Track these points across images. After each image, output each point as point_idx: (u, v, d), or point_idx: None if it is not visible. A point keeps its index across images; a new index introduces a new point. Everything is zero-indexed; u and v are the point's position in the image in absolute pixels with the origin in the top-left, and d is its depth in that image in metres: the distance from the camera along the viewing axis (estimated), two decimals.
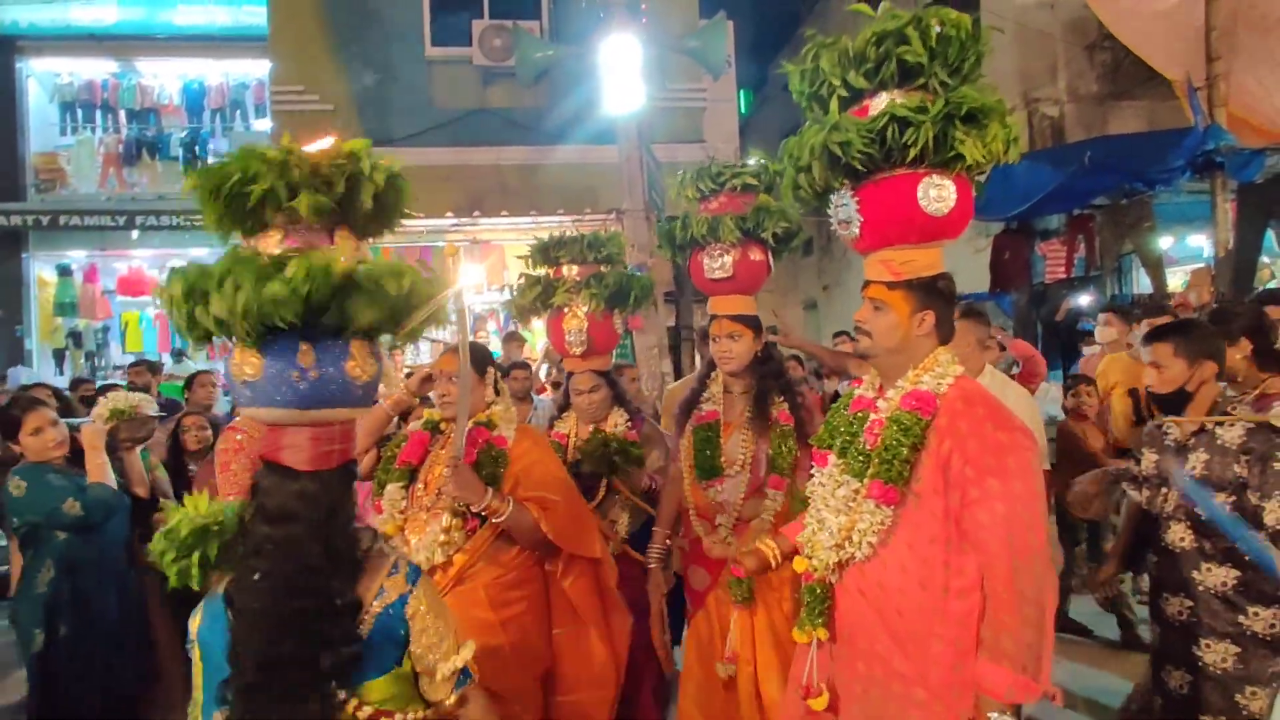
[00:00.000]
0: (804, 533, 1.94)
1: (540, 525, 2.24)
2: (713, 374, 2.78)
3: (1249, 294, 6.77)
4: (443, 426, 2.48)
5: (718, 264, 2.63)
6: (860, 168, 1.74)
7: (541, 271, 3.07)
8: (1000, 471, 1.63)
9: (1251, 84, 7.29)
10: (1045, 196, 7.49)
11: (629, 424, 2.99)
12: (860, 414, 1.90)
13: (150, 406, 3.36)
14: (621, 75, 6.63)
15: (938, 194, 1.73)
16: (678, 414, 2.79)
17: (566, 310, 2.93)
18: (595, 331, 2.92)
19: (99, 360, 12.03)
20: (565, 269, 3.02)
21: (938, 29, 1.68)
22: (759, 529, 2.49)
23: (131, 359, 12.10)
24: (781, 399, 2.65)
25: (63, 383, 11.28)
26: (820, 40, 1.82)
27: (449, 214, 7.74)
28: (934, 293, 1.80)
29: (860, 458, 1.80)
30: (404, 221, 6.31)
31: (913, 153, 1.69)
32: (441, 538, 2.22)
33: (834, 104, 1.81)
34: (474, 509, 2.22)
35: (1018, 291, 9.10)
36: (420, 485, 2.38)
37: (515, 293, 3.09)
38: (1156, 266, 8.16)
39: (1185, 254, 10.11)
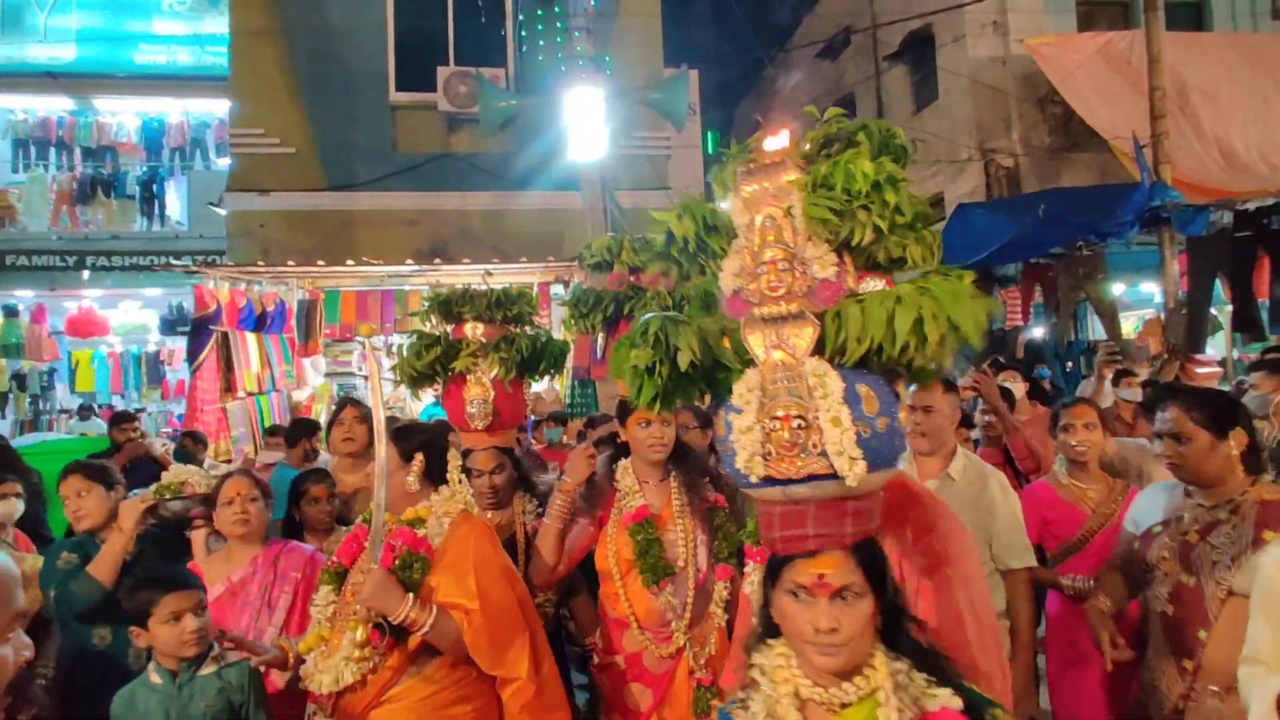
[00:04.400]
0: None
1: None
2: (617, 465, 2.49)
3: (1203, 345, 6.96)
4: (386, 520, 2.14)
5: None
6: None
7: (437, 331, 2.70)
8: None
9: (1185, 147, 7.63)
10: (1003, 245, 7.67)
11: (538, 512, 2.62)
12: None
13: (205, 483, 2.78)
14: (585, 125, 6.66)
15: None
16: (581, 521, 2.44)
17: (470, 377, 2.58)
18: (502, 402, 2.58)
19: (44, 403, 11.58)
20: (469, 328, 2.66)
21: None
22: (718, 621, 2.36)
23: (80, 400, 11.71)
24: (707, 480, 2.49)
25: (4, 428, 10.88)
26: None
27: (409, 260, 7.64)
28: None
29: None
30: (364, 267, 6.10)
31: None
32: (356, 653, 1.90)
33: None
34: (391, 621, 1.92)
35: None
36: (349, 589, 2.07)
37: (406, 353, 2.66)
38: (1111, 315, 8.35)
39: (1137, 299, 10.39)
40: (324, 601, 2.10)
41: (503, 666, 1.98)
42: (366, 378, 8.98)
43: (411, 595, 1.94)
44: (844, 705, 1.21)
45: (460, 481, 2.19)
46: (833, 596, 1.20)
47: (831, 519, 1.22)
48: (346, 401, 3.56)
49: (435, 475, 2.16)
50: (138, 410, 11.56)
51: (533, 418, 5.71)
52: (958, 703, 1.20)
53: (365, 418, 3.38)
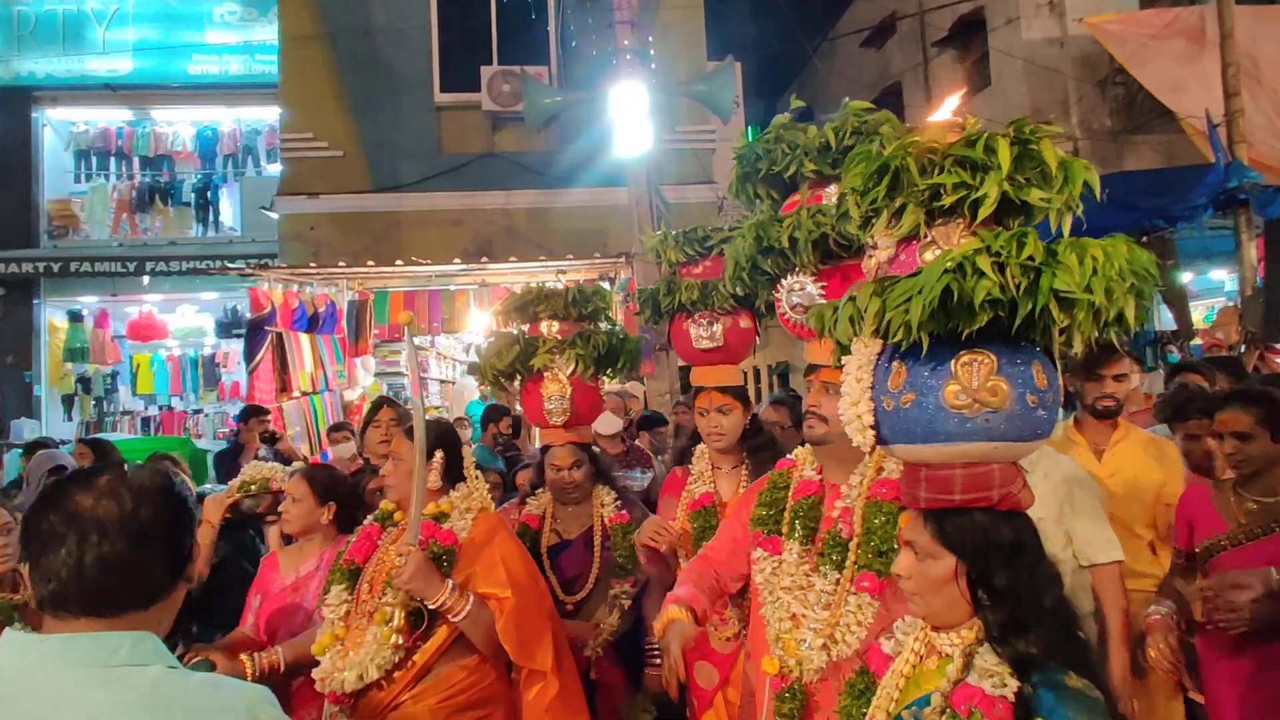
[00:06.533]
0: (771, 630, 1.77)
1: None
2: (694, 450, 2.59)
3: None
4: (396, 518, 2.20)
5: (707, 333, 2.46)
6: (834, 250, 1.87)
7: (515, 330, 2.77)
8: None
9: (1262, 125, 7.22)
10: (1061, 233, 7.36)
11: (617, 505, 2.65)
12: (811, 498, 1.80)
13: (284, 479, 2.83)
14: (630, 120, 6.58)
15: None
16: (663, 496, 2.58)
17: (546, 374, 2.61)
18: (579, 398, 2.60)
19: (108, 405, 11.98)
20: (544, 326, 2.70)
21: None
22: None
23: (140, 402, 12.09)
24: None
25: (70, 429, 11.29)
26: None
27: (456, 259, 7.67)
28: None
29: (838, 547, 1.71)
30: (411, 267, 6.12)
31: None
32: (395, 640, 1.89)
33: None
34: (429, 605, 1.93)
35: None
36: (365, 586, 2.07)
37: (484, 352, 2.74)
38: (1181, 304, 7.96)
39: (1206, 288, 9.91)
40: (336, 601, 2.09)
41: (530, 658, 1.97)
42: (418, 374, 9.10)
43: (450, 581, 1.97)
44: (935, 653, 1.30)
45: (476, 479, 2.23)
46: (905, 547, 1.31)
47: (911, 482, 1.29)
48: (382, 402, 3.58)
49: (454, 472, 2.19)
50: (196, 412, 11.93)
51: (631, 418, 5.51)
52: (1007, 690, 1.17)
53: (402, 419, 3.41)
